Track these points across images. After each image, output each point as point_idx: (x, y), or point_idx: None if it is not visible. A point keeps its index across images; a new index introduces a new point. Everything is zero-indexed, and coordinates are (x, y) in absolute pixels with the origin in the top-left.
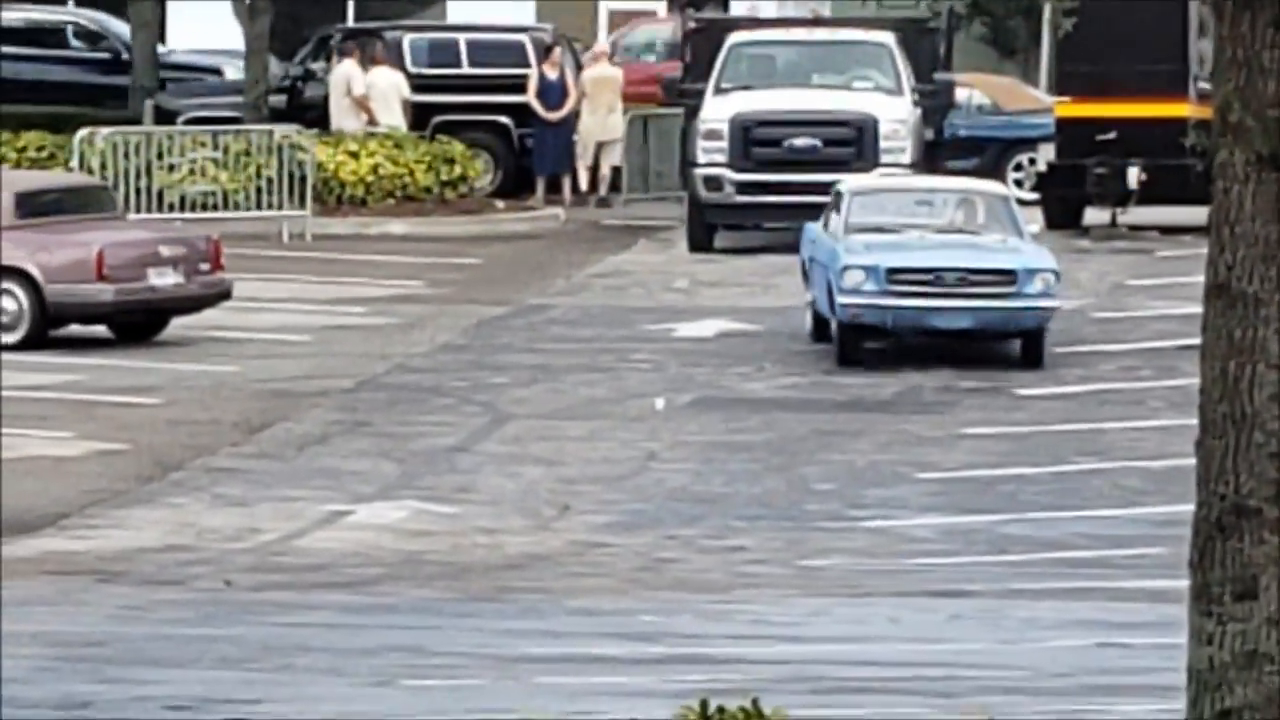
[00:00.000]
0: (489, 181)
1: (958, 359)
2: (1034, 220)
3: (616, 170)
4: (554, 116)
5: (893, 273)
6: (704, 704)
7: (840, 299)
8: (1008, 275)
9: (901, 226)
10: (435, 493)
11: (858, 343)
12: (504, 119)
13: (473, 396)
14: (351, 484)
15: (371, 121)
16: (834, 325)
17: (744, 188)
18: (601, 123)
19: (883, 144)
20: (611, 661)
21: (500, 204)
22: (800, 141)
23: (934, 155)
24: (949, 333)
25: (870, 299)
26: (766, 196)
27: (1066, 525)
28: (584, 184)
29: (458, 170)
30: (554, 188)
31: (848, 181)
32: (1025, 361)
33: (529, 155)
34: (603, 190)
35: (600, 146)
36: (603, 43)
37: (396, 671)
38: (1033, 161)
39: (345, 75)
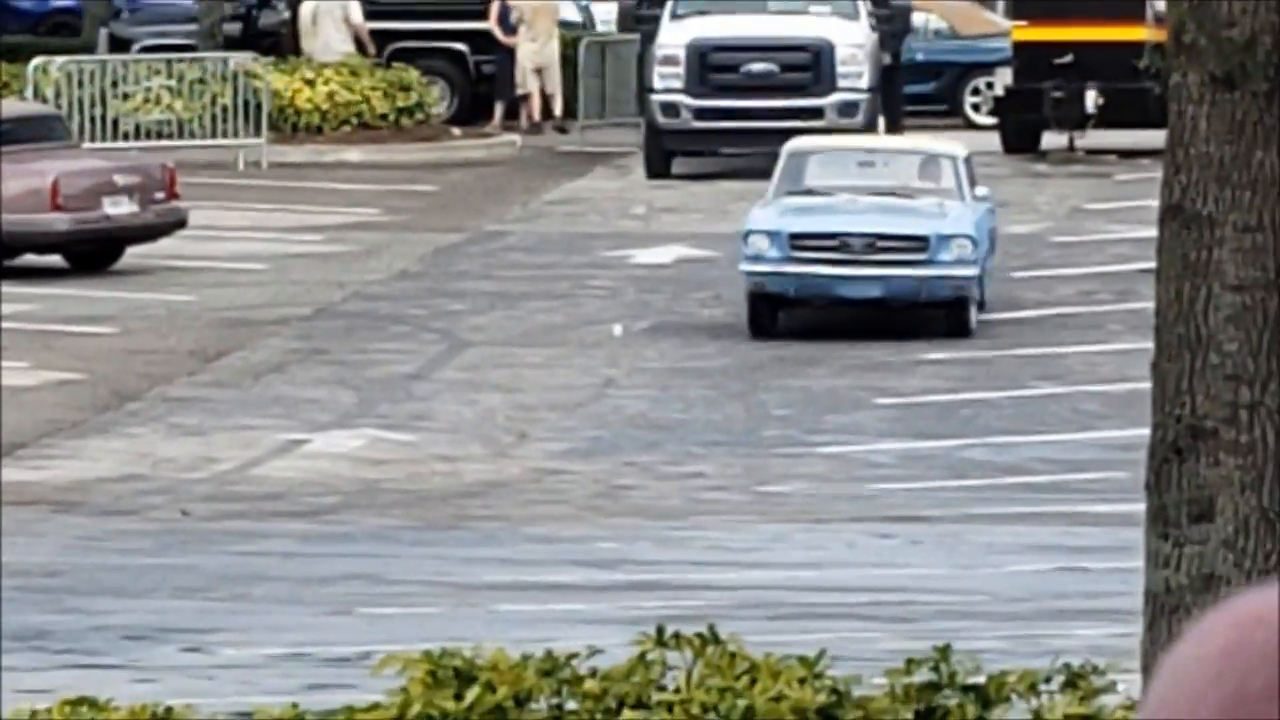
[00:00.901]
0: (445, 108)
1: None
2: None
3: (561, 97)
4: (511, 41)
5: (796, 238)
6: (660, 630)
7: (743, 266)
8: (919, 241)
9: (836, 189)
10: (392, 421)
11: (770, 312)
12: (460, 46)
13: (430, 324)
14: (308, 412)
15: (364, 50)
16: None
17: (701, 113)
18: (540, 50)
19: (840, 69)
20: (569, 589)
21: (456, 131)
22: (757, 67)
23: (891, 80)
24: (858, 302)
25: (774, 266)
26: (724, 122)
27: (1025, 450)
28: (536, 113)
29: (414, 97)
30: (510, 114)
31: (790, 143)
32: (950, 332)
33: (485, 82)
34: (557, 112)
35: (540, 73)
36: None
37: (354, 600)
38: (990, 86)
39: (343, 5)
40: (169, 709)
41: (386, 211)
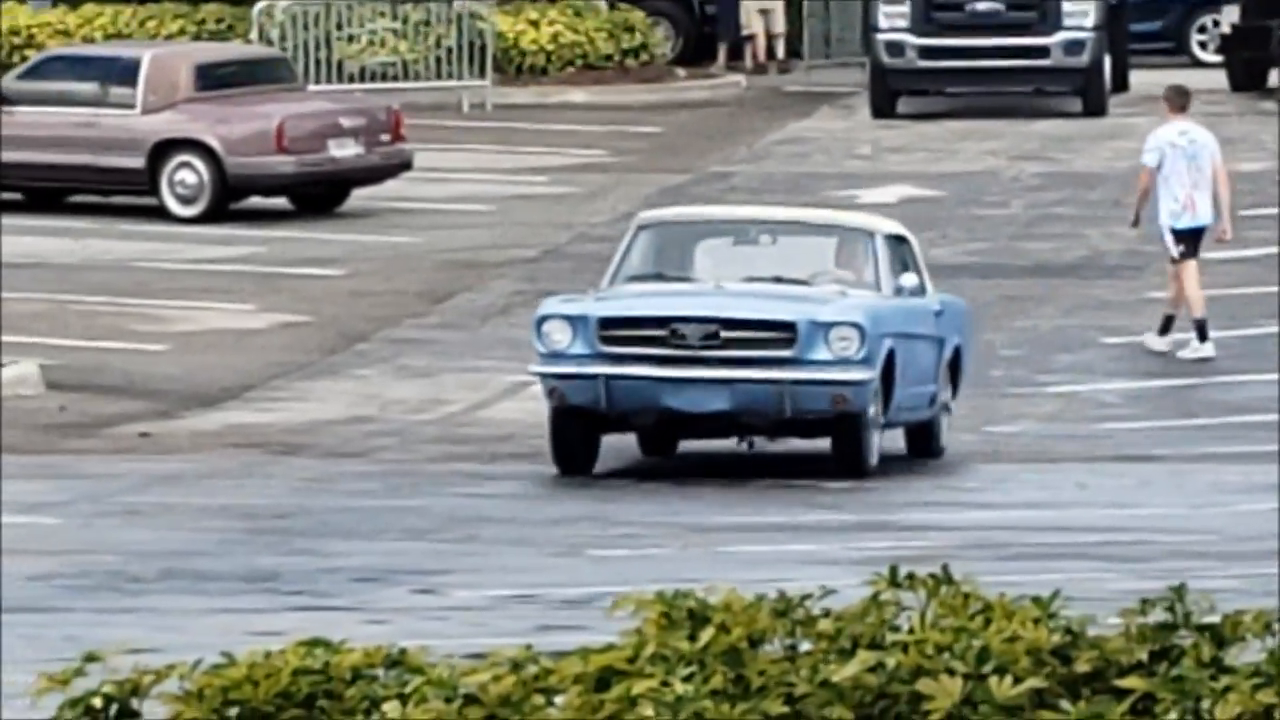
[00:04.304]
0: (669, 49)
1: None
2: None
3: (785, 36)
4: None
5: (607, 326)
6: (893, 570)
7: (534, 368)
8: (783, 331)
9: (696, 275)
10: None
11: (581, 435)
12: None
13: None
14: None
15: None
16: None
17: (926, 52)
18: None
19: (1065, 7)
20: (798, 529)
21: (681, 71)
22: (983, 5)
23: (1117, 18)
24: (695, 418)
25: (576, 366)
26: (949, 61)
27: (1254, 389)
28: (761, 53)
29: (638, 38)
30: (735, 54)
31: (642, 213)
32: (839, 465)
33: (709, 22)
34: (780, 54)
35: (765, 13)
36: None
37: (582, 541)
38: (1216, 24)
39: None
40: (403, 650)
41: (611, 153)
